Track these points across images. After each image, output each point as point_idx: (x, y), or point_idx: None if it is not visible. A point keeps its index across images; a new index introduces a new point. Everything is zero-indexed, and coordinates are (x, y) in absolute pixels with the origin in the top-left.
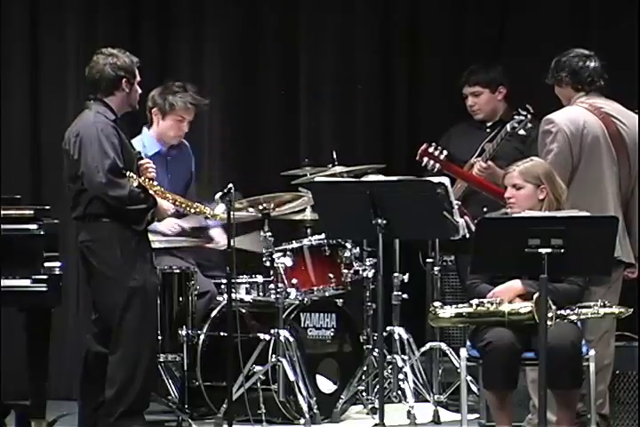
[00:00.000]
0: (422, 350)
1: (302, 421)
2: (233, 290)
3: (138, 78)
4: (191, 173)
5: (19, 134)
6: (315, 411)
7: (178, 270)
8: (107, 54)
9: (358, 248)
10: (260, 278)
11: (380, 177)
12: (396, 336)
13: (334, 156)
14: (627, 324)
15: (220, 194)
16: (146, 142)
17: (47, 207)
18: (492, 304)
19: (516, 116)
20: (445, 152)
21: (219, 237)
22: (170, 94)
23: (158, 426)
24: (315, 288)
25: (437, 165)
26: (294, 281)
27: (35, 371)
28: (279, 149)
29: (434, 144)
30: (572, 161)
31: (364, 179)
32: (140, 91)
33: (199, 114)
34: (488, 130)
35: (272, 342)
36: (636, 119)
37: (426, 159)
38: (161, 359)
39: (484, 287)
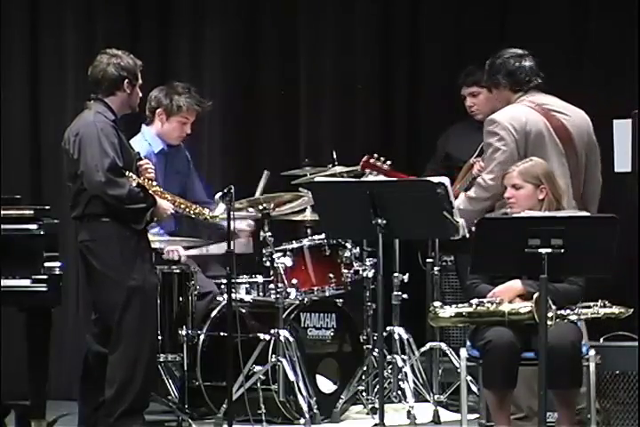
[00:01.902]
0: (422, 350)
1: (302, 421)
2: (233, 290)
3: (140, 81)
4: (187, 174)
5: (19, 134)
6: (315, 411)
7: (178, 270)
8: (111, 54)
9: (358, 248)
10: (260, 278)
11: (380, 177)
12: (396, 336)
13: (334, 156)
14: (627, 324)
15: (219, 194)
16: (150, 140)
17: (47, 207)
18: (492, 304)
19: None
20: (389, 162)
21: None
22: (176, 95)
23: (158, 426)
24: (315, 288)
25: (380, 176)
26: (294, 281)
27: (35, 371)
28: (279, 149)
29: (375, 155)
30: (519, 158)
31: (363, 179)
32: (140, 94)
33: (199, 115)
34: None
35: (272, 342)
36: (581, 113)
37: (367, 171)
38: (161, 359)
39: (483, 287)
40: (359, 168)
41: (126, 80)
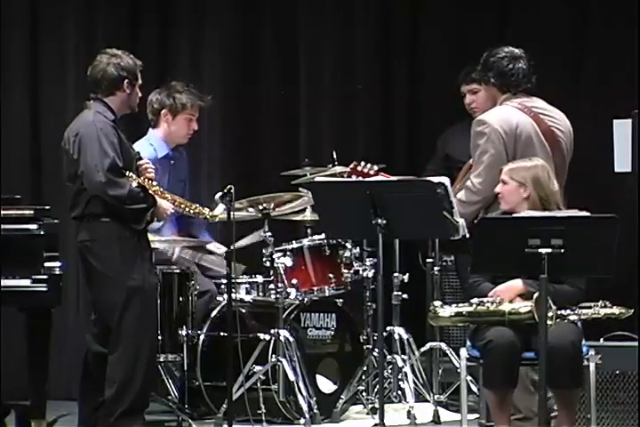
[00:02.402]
0: (422, 350)
1: (302, 421)
2: (233, 290)
3: (139, 81)
4: (184, 183)
5: (19, 134)
6: (315, 411)
7: (178, 270)
8: (111, 54)
9: (358, 248)
10: (260, 278)
11: (380, 177)
12: (396, 336)
13: (334, 156)
14: (627, 324)
15: (219, 194)
16: (155, 145)
17: (47, 207)
18: (492, 304)
19: None
20: (376, 167)
21: (216, 249)
22: (177, 93)
23: (158, 426)
24: (315, 288)
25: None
26: (294, 281)
27: (35, 371)
28: (279, 149)
29: (363, 162)
30: (508, 161)
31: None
32: (140, 94)
33: (202, 111)
34: None
35: (272, 342)
36: (564, 116)
37: (354, 177)
38: (161, 359)
39: (485, 286)
40: (345, 176)
41: (126, 80)
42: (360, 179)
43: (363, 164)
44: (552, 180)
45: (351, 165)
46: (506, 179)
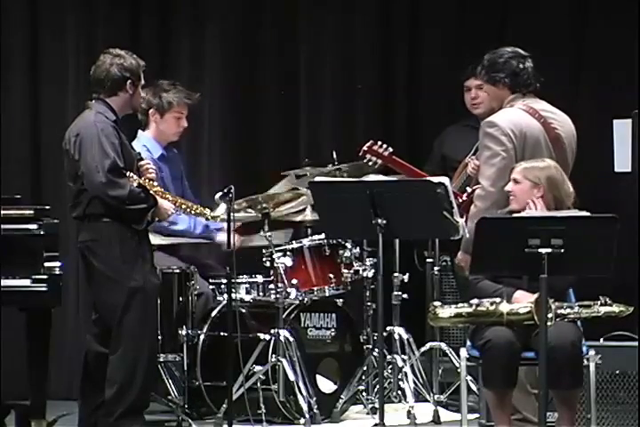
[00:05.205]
0: (422, 350)
1: (302, 421)
2: (233, 290)
3: (142, 82)
4: (181, 180)
5: (19, 134)
6: (315, 411)
7: (178, 270)
8: (114, 54)
9: (358, 248)
10: (260, 278)
11: (380, 177)
12: (396, 336)
13: (334, 156)
14: (627, 324)
15: (219, 194)
16: (149, 146)
17: (47, 207)
18: (491, 304)
19: None
20: (390, 149)
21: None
22: (163, 92)
23: (158, 426)
24: (315, 288)
25: (379, 161)
26: (294, 281)
27: (35, 371)
28: (279, 149)
29: (379, 142)
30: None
31: (363, 179)
32: (142, 94)
33: (197, 112)
34: None
35: (272, 342)
36: (569, 120)
37: (368, 156)
38: (161, 359)
39: (484, 284)
40: (360, 154)
41: (129, 81)
42: (374, 159)
43: (379, 143)
44: (566, 181)
45: (368, 144)
46: (519, 178)
